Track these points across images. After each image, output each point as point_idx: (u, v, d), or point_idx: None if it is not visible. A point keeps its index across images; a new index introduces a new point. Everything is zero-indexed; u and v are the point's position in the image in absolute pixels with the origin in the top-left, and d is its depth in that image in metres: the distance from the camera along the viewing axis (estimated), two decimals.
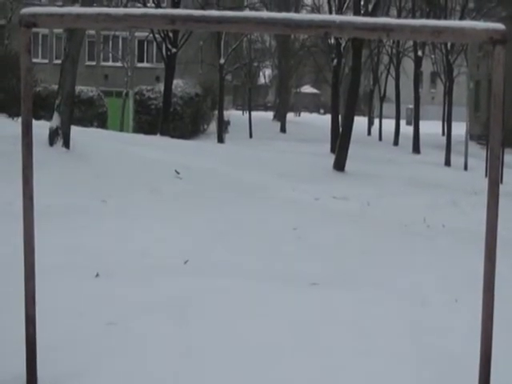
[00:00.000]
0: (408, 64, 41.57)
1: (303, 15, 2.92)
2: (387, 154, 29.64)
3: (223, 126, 34.35)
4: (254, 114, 45.12)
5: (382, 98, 45.36)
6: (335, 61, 29.41)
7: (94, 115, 33.06)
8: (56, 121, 11.91)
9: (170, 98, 27.26)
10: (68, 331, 3.90)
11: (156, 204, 8.92)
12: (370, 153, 27.73)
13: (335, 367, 3.65)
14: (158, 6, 27.77)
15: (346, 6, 29.84)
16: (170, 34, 26.44)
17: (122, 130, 34.92)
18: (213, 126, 36.93)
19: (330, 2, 30.60)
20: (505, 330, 3.66)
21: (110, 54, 44.82)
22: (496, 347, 2.92)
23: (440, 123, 49.00)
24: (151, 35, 30.55)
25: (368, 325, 4.40)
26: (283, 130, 46.53)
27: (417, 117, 34.85)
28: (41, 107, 22.28)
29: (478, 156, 27.37)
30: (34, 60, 36.39)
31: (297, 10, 40.88)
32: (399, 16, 35.23)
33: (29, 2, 37.69)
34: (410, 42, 36.15)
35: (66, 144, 11.85)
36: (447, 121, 31.29)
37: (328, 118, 33.35)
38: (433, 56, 42.82)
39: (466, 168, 26.05)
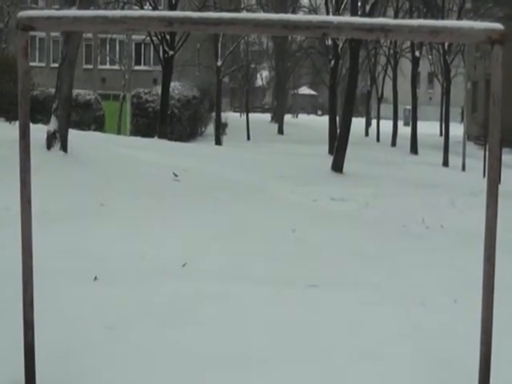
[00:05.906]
0: (405, 65, 41.56)
1: (301, 16, 2.91)
2: (385, 154, 29.63)
3: (221, 129, 34.31)
4: (251, 115, 45.06)
5: (380, 99, 45.35)
6: (332, 62, 29.40)
7: (91, 118, 32.98)
8: (53, 124, 11.88)
9: (167, 100, 27.22)
10: (67, 335, 3.89)
11: (154, 207, 8.91)
12: (368, 154, 27.72)
13: (335, 370, 3.64)
14: (155, 8, 27.72)
15: (343, 6, 29.84)
16: (167, 37, 26.41)
17: (119, 133, 34.86)
18: (210, 129, 36.92)
19: (328, 3, 30.59)
20: (505, 332, 3.65)
21: (108, 57, 44.77)
22: (496, 349, 2.90)
23: (438, 124, 48.96)
24: (148, 38, 30.51)
25: (367, 326, 4.39)
26: (281, 131, 46.48)
27: (414, 117, 34.82)
28: (38, 111, 22.26)
29: (476, 156, 27.38)
30: (31, 63, 36.29)
31: (294, 12, 40.75)
32: (396, 16, 35.20)
33: (26, 6, 37.73)
34: (408, 43, 36.13)
35: (64, 147, 11.82)
36: (445, 121, 31.28)
37: (326, 119, 33.32)
38: (430, 56, 42.81)
39: (463, 168, 26.04)
